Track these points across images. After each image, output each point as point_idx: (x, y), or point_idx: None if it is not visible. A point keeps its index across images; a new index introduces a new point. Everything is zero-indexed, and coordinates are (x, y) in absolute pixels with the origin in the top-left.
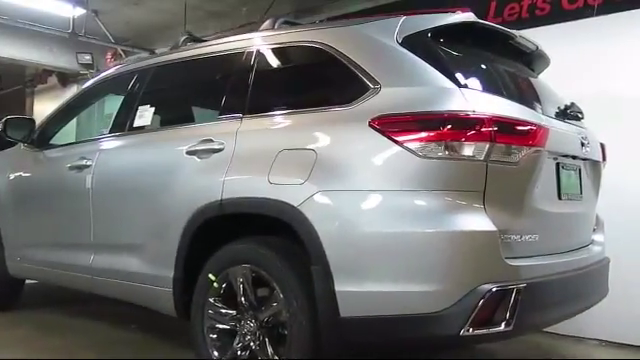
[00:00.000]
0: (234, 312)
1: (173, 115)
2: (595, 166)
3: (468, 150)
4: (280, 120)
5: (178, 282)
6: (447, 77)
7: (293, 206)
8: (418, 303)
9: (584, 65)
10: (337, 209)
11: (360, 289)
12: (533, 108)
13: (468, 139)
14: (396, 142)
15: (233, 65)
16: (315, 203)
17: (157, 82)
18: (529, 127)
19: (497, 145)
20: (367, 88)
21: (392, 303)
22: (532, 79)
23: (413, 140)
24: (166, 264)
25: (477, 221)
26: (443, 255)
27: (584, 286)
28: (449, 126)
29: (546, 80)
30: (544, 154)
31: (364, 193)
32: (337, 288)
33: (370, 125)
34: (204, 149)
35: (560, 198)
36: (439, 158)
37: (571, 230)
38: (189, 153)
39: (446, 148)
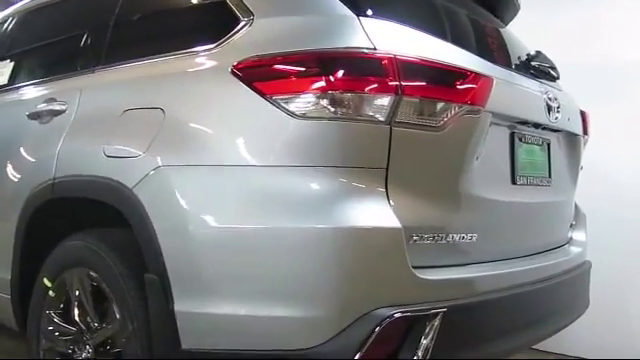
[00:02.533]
0: (75, 331)
1: (32, 70)
2: (572, 141)
3: (363, 107)
4: (133, 71)
5: (15, 286)
6: (344, 2)
7: (127, 188)
8: (286, 334)
9: (575, 30)
10: (181, 193)
11: (207, 310)
12: (481, 56)
13: (362, 90)
14: (264, 96)
15: (98, 4)
16: (153, 184)
17: (23, 31)
18: (459, 75)
19: (407, 100)
20: (237, 21)
21: (251, 333)
22: (491, 25)
23: (286, 92)
24: (2, 262)
25: (373, 213)
26: (320, 264)
27: (554, 301)
28: (336, 71)
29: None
30: (486, 117)
31: (219, 170)
32: (177, 307)
33: (233, 72)
34: (46, 111)
35: (515, 182)
36: (321, 118)
37: (534, 226)
38: (31, 117)
39: (332, 104)
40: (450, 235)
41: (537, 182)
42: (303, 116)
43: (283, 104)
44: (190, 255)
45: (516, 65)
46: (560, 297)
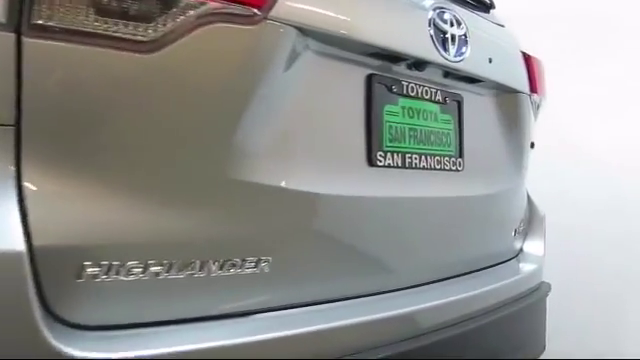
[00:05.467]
0: None
1: None
2: (510, 102)
3: None
4: None
5: None
6: None
7: None
8: None
9: None
10: None
11: None
12: None
13: None
14: None
15: None
16: None
17: None
18: None
19: None
20: None
21: None
22: None
23: None
24: None
25: None
26: None
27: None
28: None
29: None
30: (277, 35)
31: None
32: None
33: None
34: None
35: (373, 162)
36: None
37: (424, 237)
38: None
39: None
40: (194, 261)
41: (429, 163)
42: None
43: None
44: None
45: None
46: (483, 348)
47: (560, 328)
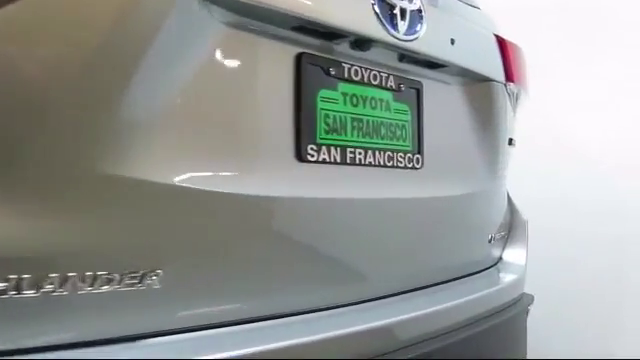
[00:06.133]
0: None
1: None
2: (481, 92)
3: None
4: None
5: None
6: None
7: None
8: None
9: None
10: None
11: None
12: None
13: None
14: None
15: None
16: None
17: None
18: None
19: None
20: None
21: None
22: None
23: None
24: None
25: None
26: None
27: None
28: None
29: None
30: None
31: None
32: None
33: None
34: None
35: (303, 156)
36: None
37: (364, 244)
38: None
39: None
40: (52, 277)
41: (378, 159)
42: None
43: None
44: None
45: None
46: None
47: (553, 332)
